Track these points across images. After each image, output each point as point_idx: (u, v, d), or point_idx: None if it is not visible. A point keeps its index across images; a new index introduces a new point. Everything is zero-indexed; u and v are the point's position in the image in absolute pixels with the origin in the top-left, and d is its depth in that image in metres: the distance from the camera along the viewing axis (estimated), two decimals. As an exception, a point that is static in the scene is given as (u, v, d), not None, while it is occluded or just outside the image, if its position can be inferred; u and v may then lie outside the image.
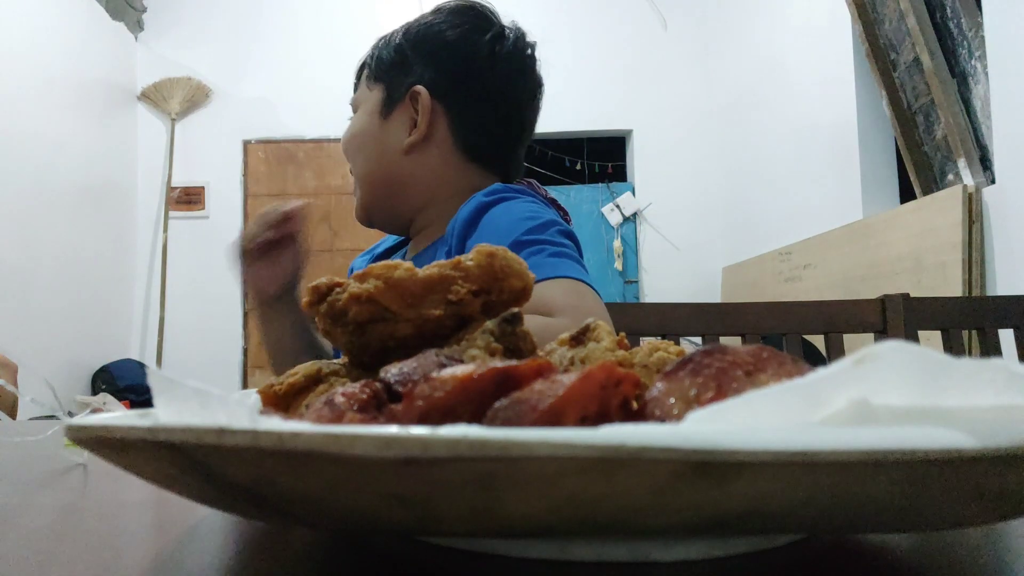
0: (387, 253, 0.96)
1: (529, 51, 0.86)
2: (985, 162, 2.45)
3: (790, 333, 1.10)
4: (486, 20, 0.84)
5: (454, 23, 0.83)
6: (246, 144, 4.67)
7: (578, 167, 4.85)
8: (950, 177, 2.65)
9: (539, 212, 0.74)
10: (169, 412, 0.19)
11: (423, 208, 0.84)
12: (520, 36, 0.85)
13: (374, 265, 0.29)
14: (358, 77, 0.89)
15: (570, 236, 0.74)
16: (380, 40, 0.88)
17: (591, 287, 0.68)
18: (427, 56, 0.83)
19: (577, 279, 0.66)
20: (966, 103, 2.54)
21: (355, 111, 0.89)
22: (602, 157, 4.90)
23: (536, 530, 0.17)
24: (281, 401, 0.29)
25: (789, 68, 3.75)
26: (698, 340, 1.15)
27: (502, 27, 0.84)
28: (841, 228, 3.04)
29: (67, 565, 0.23)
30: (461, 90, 0.82)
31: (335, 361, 0.31)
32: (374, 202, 0.86)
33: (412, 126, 0.82)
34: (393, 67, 0.84)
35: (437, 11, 0.85)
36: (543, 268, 0.66)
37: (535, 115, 0.88)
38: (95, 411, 0.58)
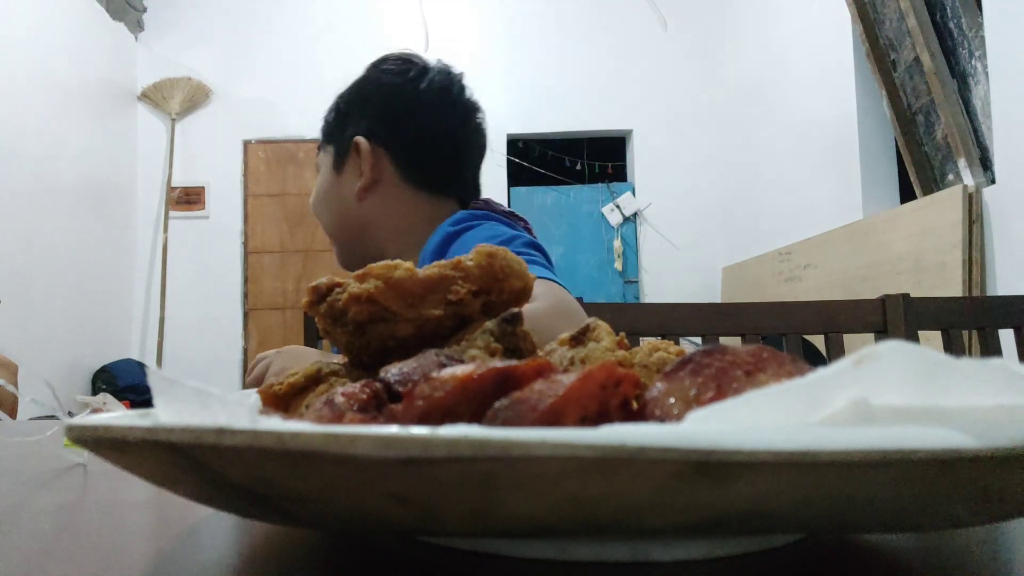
0: None
1: (453, 82, 0.93)
2: (985, 162, 2.45)
3: (790, 333, 1.10)
4: (407, 63, 0.92)
5: (380, 72, 0.92)
6: (246, 144, 4.67)
7: (578, 167, 4.85)
8: (950, 177, 2.65)
9: (503, 231, 0.80)
10: (169, 412, 0.19)
11: (389, 244, 0.91)
12: (442, 70, 0.92)
13: (374, 265, 0.29)
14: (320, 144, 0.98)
15: (535, 246, 0.80)
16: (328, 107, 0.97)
17: (560, 284, 0.73)
18: (359, 108, 0.91)
19: (544, 277, 0.71)
20: (966, 103, 2.54)
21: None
22: (602, 157, 4.90)
23: (536, 530, 0.17)
24: (281, 401, 0.29)
25: (789, 68, 3.75)
26: (698, 340, 1.15)
27: (424, 67, 0.92)
28: (841, 228, 3.04)
29: (67, 565, 0.23)
30: (394, 130, 0.90)
31: (335, 361, 0.31)
32: (347, 249, 0.93)
33: (360, 174, 0.90)
34: (336, 126, 0.93)
35: (367, 68, 0.94)
36: None
37: (475, 136, 0.94)
38: (95, 411, 0.58)
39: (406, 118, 0.89)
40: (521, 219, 0.90)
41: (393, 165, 0.89)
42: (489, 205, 0.90)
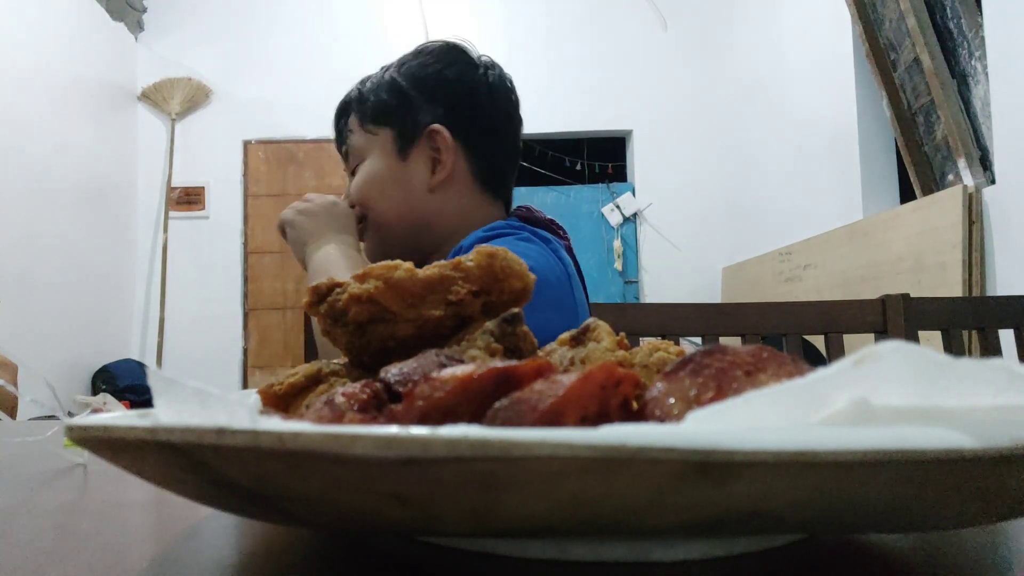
0: None
1: (509, 78, 0.90)
2: (985, 162, 2.45)
3: (790, 333, 1.10)
4: (470, 56, 0.88)
5: (448, 62, 0.86)
6: (246, 144, 4.67)
7: (578, 167, 4.85)
8: (950, 177, 2.65)
9: (512, 245, 0.77)
10: (169, 412, 0.19)
11: (445, 242, 0.85)
12: (498, 65, 0.89)
13: (374, 265, 0.29)
14: (341, 121, 0.90)
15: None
16: (365, 85, 0.88)
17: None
18: (432, 95, 0.85)
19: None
20: (966, 103, 2.54)
21: (348, 157, 0.90)
22: (602, 157, 4.90)
23: (536, 530, 0.17)
24: (281, 401, 0.29)
25: (789, 68, 3.75)
26: (698, 340, 1.15)
27: (490, 62, 0.88)
28: (841, 228, 3.04)
29: (67, 565, 0.23)
30: (472, 125, 0.85)
31: (335, 361, 0.31)
32: (396, 243, 0.86)
33: (432, 164, 0.84)
34: (398, 109, 0.85)
35: (422, 52, 0.88)
36: None
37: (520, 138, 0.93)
38: (95, 411, 0.58)
39: (482, 112, 0.85)
40: (559, 227, 0.87)
41: (466, 160, 0.85)
42: (531, 212, 0.87)
